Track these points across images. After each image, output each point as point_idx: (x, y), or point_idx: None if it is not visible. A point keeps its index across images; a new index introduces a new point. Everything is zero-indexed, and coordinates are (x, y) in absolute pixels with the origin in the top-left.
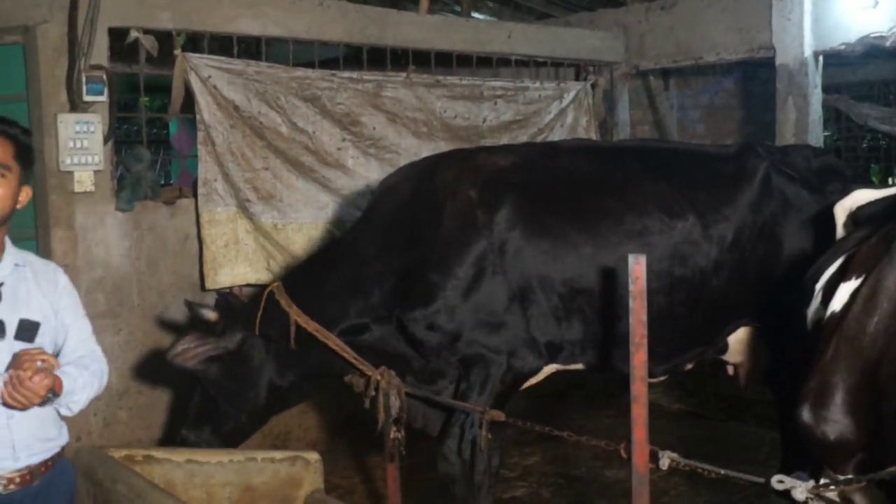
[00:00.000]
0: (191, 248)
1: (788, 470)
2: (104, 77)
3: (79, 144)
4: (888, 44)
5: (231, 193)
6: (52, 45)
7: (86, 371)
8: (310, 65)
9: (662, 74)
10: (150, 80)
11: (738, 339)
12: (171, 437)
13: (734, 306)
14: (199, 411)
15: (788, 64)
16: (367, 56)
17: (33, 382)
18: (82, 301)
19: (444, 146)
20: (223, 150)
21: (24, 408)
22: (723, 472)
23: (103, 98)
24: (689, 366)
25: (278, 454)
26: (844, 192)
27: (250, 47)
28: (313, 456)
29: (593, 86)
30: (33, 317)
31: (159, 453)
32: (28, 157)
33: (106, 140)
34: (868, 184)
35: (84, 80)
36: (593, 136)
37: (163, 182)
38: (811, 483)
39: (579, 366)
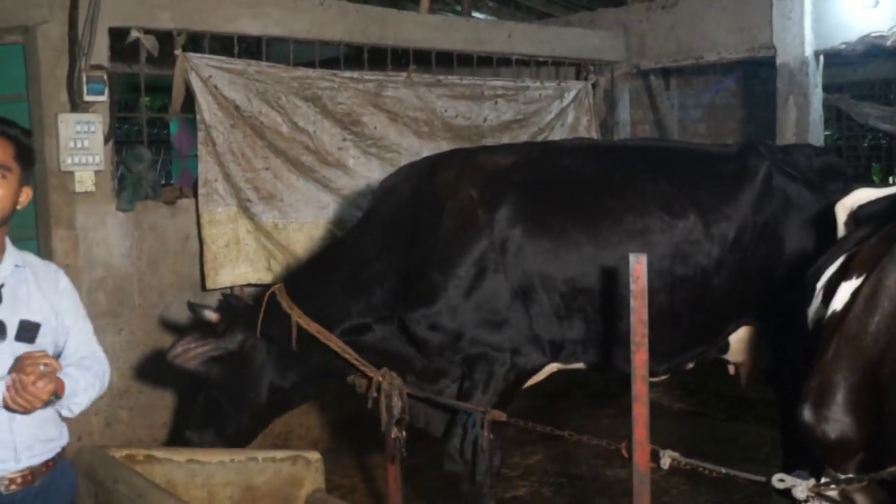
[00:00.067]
0: (191, 248)
1: (790, 469)
2: (105, 77)
3: (79, 144)
4: (889, 43)
5: (232, 193)
6: (52, 45)
7: (87, 372)
8: (310, 64)
9: (663, 74)
10: (150, 80)
11: (739, 338)
12: (174, 439)
13: (735, 305)
14: (203, 413)
15: (789, 63)
16: (368, 56)
17: (36, 387)
18: (83, 301)
19: (445, 146)
20: (224, 149)
21: (26, 412)
22: (724, 471)
23: (104, 98)
24: (691, 365)
25: (279, 453)
26: (845, 192)
27: (251, 47)
28: (314, 455)
29: (594, 85)
30: (34, 318)
31: (160, 453)
32: (28, 158)
33: (106, 140)
34: (869, 183)
35: (84, 79)
36: (594, 135)
37: (163, 182)
38: (812, 482)
39: (580, 365)
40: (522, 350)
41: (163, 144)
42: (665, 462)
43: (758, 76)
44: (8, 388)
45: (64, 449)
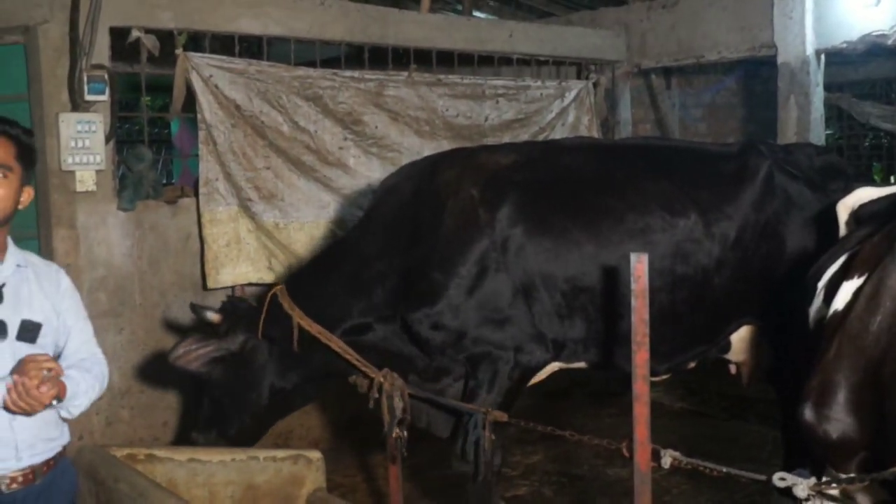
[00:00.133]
0: (192, 248)
1: (791, 469)
2: (105, 76)
3: (80, 144)
4: (890, 42)
5: (232, 193)
6: (53, 44)
7: (88, 374)
8: (311, 64)
9: (664, 73)
10: (151, 80)
11: (740, 337)
12: (179, 440)
13: (736, 305)
14: (209, 414)
15: (790, 62)
16: (369, 55)
17: (40, 392)
18: (84, 301)
19: (446, 145)
20: (224, 149)
21: (28, 414)
22: (725, 470)
23: (105, 97)
24: (692, 364)
25: (280, 453)
26: (847, 191)
27: (252, 46)
28: (315, 455)
29: (595, 84)
30: (35, 318)
31: (161, 452)
32: (30, 158)
33: (107, 139)
34: (870, 182)
35: (85, 79)
36: (595, 134)
37: (164, 181)
38: (813, 480)
39: (582, 364)
40: (525, 348)
41: (164, 144)
42: (666, 461)
43: (759, 75)
44: (9, 391)
45: (65, 448)
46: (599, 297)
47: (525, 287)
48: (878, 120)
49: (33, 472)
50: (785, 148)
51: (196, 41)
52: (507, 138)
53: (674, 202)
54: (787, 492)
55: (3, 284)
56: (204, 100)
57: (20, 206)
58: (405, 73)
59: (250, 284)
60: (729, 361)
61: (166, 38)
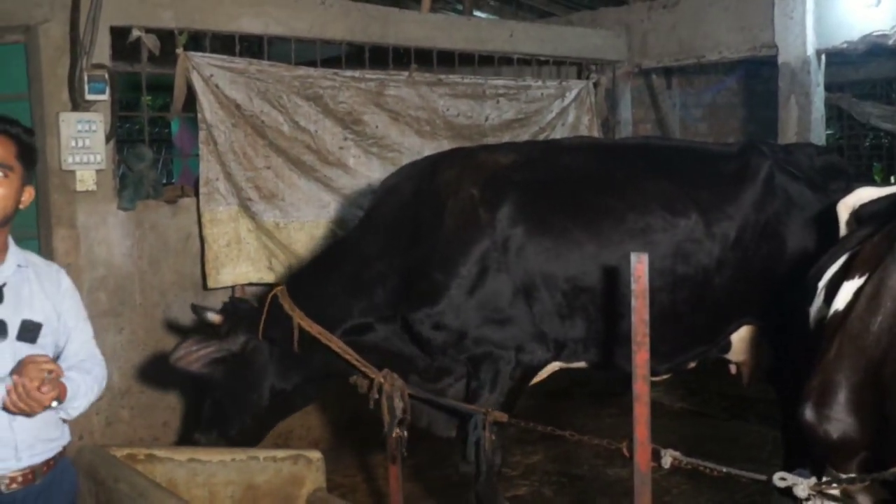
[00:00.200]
0: (193, 247)
1: (791, 469)
2: (106, 76)
3: (81, 143)
4: (891, 42)
5: (233, 192)
6: (53, 44)
7: (88, 376)
8: (312, 64)
9: (665, 73)
10: (151, 79)
11: (740, 337)
12: (180, 440)
13: (737, 305)
14: (210, 415)
15: (791, 62)
16: (370, 55)
17: (40, 393)
18: (84, 300)
19: (446, 144)
20: (225, 149)
21: (27, 415)
22: (725, 470)
23: (105, 97)
24: (692, 364)
25: (280, 453)
26: (847, 191)
27: (252, 46)
28: (315, 455)
29: (595, 84)
30: (36, 318)
31: (161, 452)
32: (31, 157)
33: (108, 139)
34: (871, 182)
35: (86, 78)
36: (595, 134)
37: (165, 181)
38: (813, 480)
39: (582, 364)
40: (527, 347)
41: (164, 143)
42: (666, 461)
43: (759, 75)
44: (9, 392)
45: (65, 448)
46: (600, 296)
47: (526, 287)
48: (878, 120)
49: (33, 473)
50: (785, 148)
51: (197, 40)
52: (507, 138)
53: (674, 202)
54: (788, 492)
55: (4, 284)
56: (204, 99)
57: (21, 206)
58: (406, 73)
59: (251, 284)
60: (729, 361)
61: (167, 37)
